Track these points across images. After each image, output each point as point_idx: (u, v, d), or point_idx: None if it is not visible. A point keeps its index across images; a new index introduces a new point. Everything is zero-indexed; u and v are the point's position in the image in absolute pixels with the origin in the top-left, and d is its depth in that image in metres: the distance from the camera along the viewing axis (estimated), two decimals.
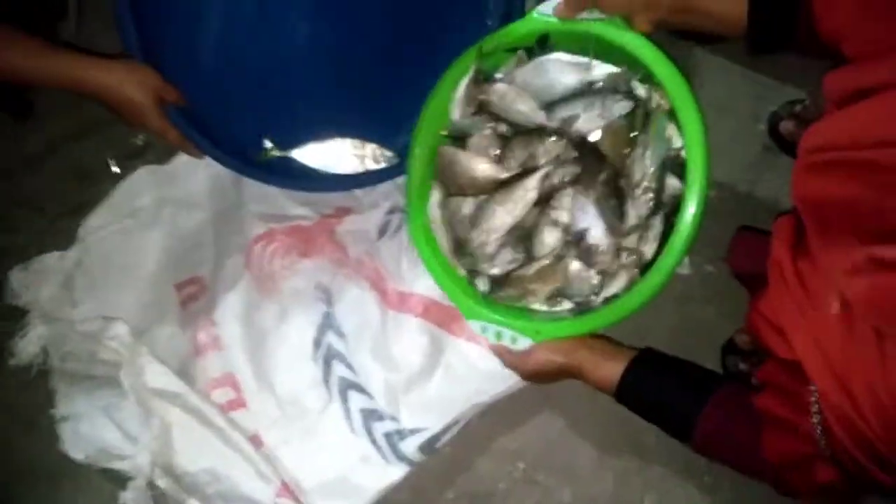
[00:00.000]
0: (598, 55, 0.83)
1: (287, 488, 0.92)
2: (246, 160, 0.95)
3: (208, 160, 0.94)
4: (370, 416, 0.97)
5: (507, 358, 0.82)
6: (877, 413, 0.52)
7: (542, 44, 0.86)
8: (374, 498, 0.93)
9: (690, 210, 0.72)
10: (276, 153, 0.96)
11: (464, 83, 0.86)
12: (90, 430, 0.92)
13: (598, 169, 0.81)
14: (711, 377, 0.76)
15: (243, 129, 0.98)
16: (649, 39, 0.77)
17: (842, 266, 0.54)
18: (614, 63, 0.83)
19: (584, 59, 0.82)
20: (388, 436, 0.98)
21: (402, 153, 0.95)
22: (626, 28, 0.78)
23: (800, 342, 0.60)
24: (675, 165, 0.80)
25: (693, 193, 0.72)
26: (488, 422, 0.98)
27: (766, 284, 0.65)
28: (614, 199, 0.80)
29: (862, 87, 0.54)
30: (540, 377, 0.83)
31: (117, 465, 0.91)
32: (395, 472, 0.95)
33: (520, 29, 0.86)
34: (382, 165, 0.99)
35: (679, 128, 0.76)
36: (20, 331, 0.97)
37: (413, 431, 0.96)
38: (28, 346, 0.99)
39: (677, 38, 1.08)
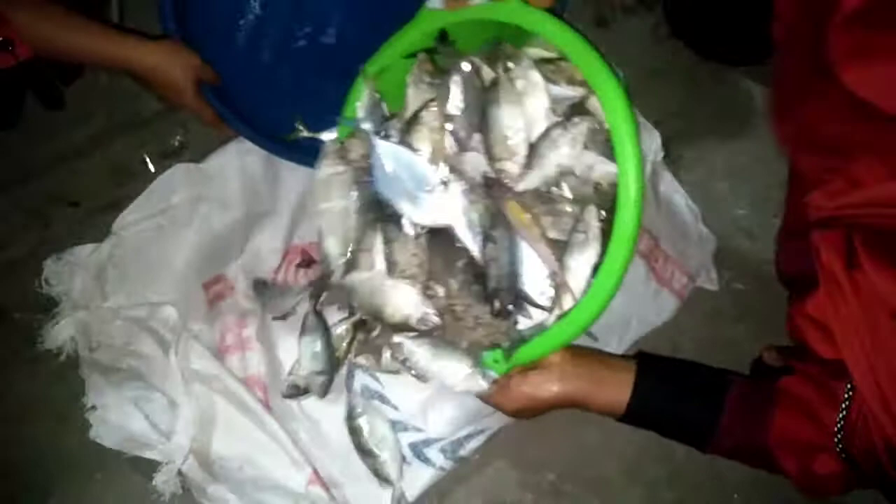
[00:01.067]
0: (502, 40, 0.80)
1: (318, 476, 0.92)
2: (277, 140, 0.98)
3: (240, 146, 0.97)
4: (395, 426, 0.96)
5: (485, 396, 0.78)
6: None
7: (443, 40, 0.83)
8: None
9: (629, 198, 0.67)
10: (307, 134, 0.97)
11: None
12: (119, 419, 0.92)
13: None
14: (718, 379, 0.76)
15: (275, 111, 1.00)
16: (554, 15, 0.72)
17: None
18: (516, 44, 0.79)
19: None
20: (413, 446, 0.97)
21: None
22: (527, 7, 0.73)
23: (847, 344, 0.61)
24: (602, 145, 0.75)
25: (628, 177, 0.67)
26: (517, 431, 0.97)
27: (813, 286, 0.66)
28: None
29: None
30: (530, 412, 0.77)
31: (147, 453, 0.90)
32: (424, 475, 0.95)
33: (414, 32, 0.84)
34: None
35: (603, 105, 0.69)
36: (52, 320, 0.97)
37: (439, 440, 0.96)
38: (59, 334, 1.00)
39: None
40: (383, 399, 0.96)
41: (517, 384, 0.75)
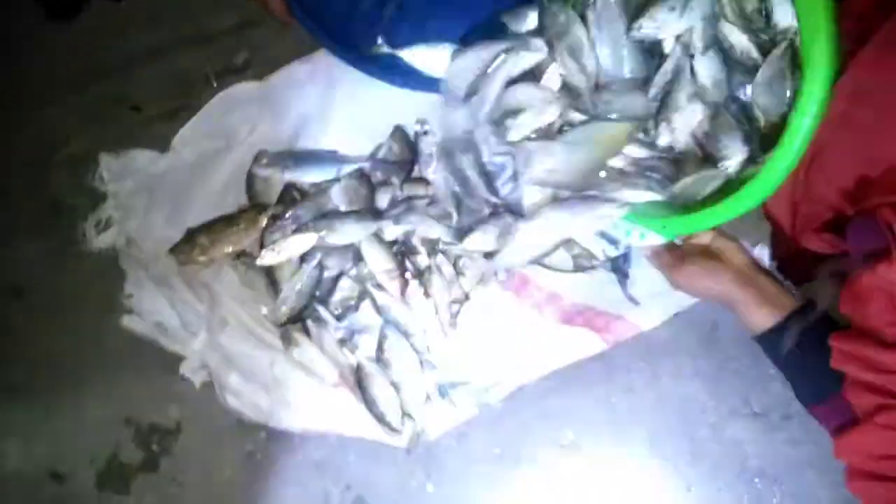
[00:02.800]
0: None
1: (344, 379, 0.96)
2: (356, 53, 0.97)
3: (304, 68, 0.98)
4: (423, 364, 0.98)
5: (666, 259, 0.84)
6: None
7: None
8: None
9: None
10: (386, 50, 0.96)
11: None
12: (151, 310, 0.95)
13: None
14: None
15: (357, 25, 0.98)
16: None
17: None
18: None
19: None
20: (439, 386, 0.99)
21: None
22: None
23: None
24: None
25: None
26: (546, 384, 0.97)
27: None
28: None
29: None
30: (690, 286, 0.84)
31: (175, 346, 0.93)
32: (446, 416, 0.97)
33: None
34: None
35: None
36: (95, 214, 1.00)
37: (466, 383, 0.97)
38: (104, 239, 1.02)
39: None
40: (413, 336, 0.98)
41: (694, 261, 0.82)
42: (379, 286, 0.96)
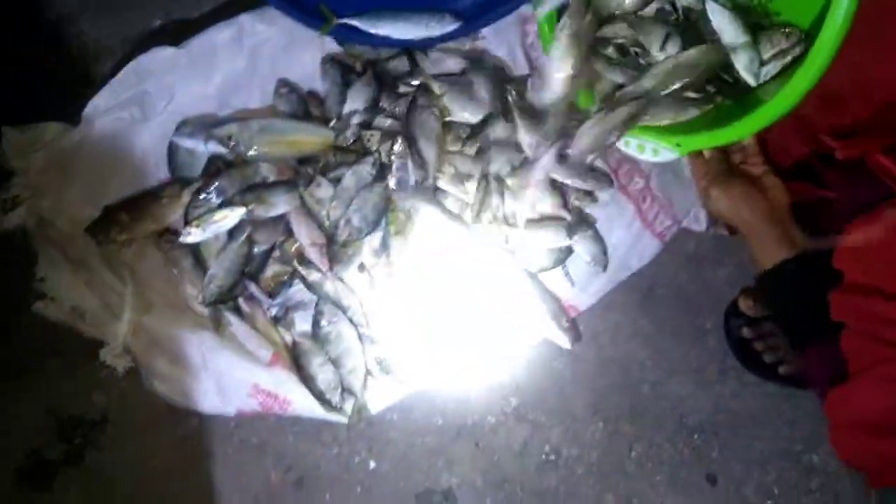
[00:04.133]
0: None
1: (280, 357, 0.92)
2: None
3: (221, 32, 0.93)
4: (362, 338, 0.95)
5: (711, 171, 0.83)
6: None
7: None
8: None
9: None
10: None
11: None
12: (68, 291, 0.89)
13: None
14: None
15: None
16: None
17: None
18: None
19: None
20: (380, 360, 0.96)
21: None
22: None
23: None
24: None
25: None
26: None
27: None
28: None
29: None
30: (726, 208, 0.82)
31: (95, 332, 0.87)
32: (388, 390, 0.95)
33: None
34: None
35: None
36: (0, 193, 0.92)
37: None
38: (14, 218, 0.95)
39: None
40: (350, 309, 0.95)
41: (741, 182, 0.80)
42: (308, 262, 0.93)
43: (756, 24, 0.80)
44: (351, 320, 0.95)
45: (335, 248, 0.91)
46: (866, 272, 0.64)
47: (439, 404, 0.96)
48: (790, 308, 0.77)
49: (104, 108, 0.98)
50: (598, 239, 0.99)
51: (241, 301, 0.95)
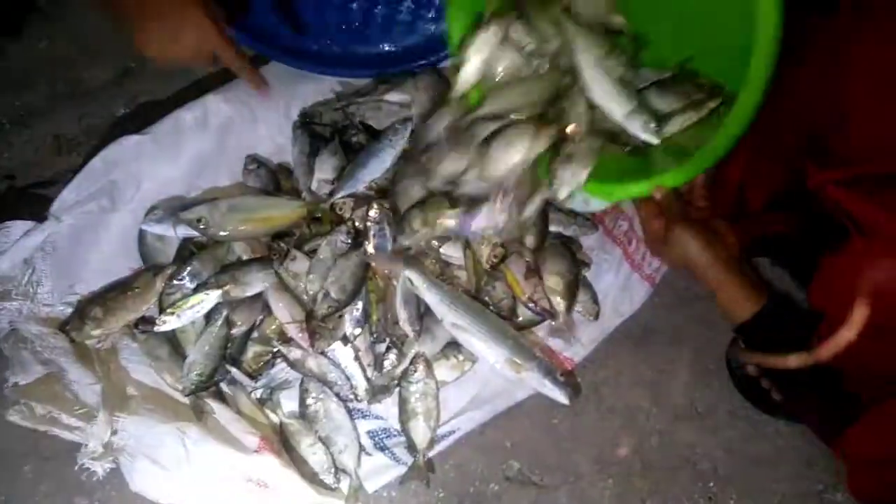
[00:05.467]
0: None
1: (268, 442, 0.88)
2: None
3: (188, 114, 0.94)
4: (352, 413, 0.92)
5: (657, 221, 0.79)
6: None
7: None
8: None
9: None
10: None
11: None
12: (41, 394, 0.85)
13: None
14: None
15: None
16: None
17: None
18: None
19: None
20: (373, 434, 0.93)
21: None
22: None
23: None
24: None
25: None
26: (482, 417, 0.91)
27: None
28: None
29: None
30: (678, 256, 0.79)
31: (73, 434, 0.84)
32: (386, 468, 0.91)
33: None
34: None
35: None
36: None
37: (400, 433, 0.91)
38: None
39: None
40: (336, 385, 0.92)
41: (693, 229, 0.77)
42: (290, 340, 0.89)
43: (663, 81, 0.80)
44: (338, 395, 0.91)
45: (315, 324, 0.88)
46: (841, 308, 0.61)
47: (438, 475, 0.91)
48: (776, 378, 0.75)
49: (72, 202, 0.96)
50: (587, 286, 0.96)
51: (223, 386, 0.92)
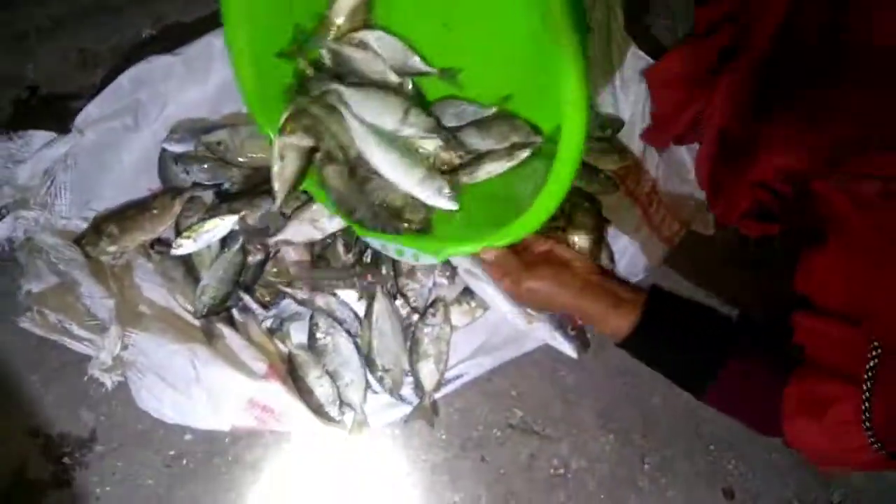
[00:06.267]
0: None
1: (275, 369, 0.88)
2: None
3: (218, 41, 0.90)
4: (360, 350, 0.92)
5: (507, 272, 0.74)
6: None
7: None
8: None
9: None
10: None
11: None
12: (55, 304, 0.85)
13: None
14: (724, 337, 0.71)
15: None
16: None
17: None
18: None
19: None
20: (380, 378, 0.93)
21: None
22: None
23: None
24: None
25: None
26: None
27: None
28: None
29: None
30: (539, 305, 0.78)
31: (79, 345, 0.84)
32: (390, 408, 0.91)
33: None
34: None
35: None
36: None
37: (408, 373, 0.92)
38: (1, 228, 0.92)
39: None
40: (346, 321, 0.92)
41: (540, 271, 0.73)
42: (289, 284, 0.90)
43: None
44: (348, 332, 0.92)
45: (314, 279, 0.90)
46: (832, 297, 0.63)
47: (442, 417, 0.92)
48: (676, 358, 0.72)
49: (96, 118, 0.96)
50: (606, 244, 0.96)
51: (234, 312, 0.92)
